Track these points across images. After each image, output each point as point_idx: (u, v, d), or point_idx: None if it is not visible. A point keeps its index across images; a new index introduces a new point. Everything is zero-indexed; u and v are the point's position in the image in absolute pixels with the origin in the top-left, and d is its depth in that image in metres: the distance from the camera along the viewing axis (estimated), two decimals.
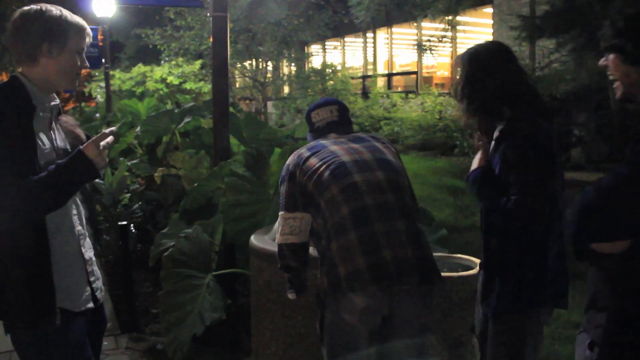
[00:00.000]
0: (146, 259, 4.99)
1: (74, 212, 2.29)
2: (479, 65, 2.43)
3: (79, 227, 2.30)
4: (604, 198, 1.62)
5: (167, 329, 3.74)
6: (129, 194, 6.74)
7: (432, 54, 8.80)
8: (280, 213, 2.59)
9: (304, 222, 2.54)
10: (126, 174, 6.78)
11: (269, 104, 18.09)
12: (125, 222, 4.90)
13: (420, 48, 9.31)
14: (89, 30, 2.29)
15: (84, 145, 2.13)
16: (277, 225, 2.64)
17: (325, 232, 2.48)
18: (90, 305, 2.32)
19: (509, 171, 2.27)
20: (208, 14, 4.77)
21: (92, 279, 2.34)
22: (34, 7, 2.19)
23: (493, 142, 2.42)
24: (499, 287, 2.37)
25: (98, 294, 2.37)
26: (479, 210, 2.64)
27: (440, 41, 8.72)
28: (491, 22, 13.77)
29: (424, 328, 2.50)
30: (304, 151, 2.63)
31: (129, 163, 6.94)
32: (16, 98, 2.12)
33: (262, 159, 4.46)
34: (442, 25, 8.76)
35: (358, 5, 7.31)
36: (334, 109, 2.78)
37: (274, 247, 2.74)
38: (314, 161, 2.56)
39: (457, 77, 2.51)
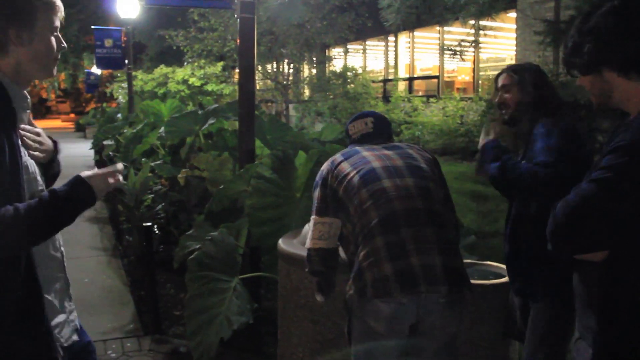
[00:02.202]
0: (168, 260, 4.98)
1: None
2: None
3: (61, 249, 1.99)
4: (572, 218, 1.59)
5: (193, 332, 3.70)
6: (152, 195, 6.76)
7: (463, 58, 8.71)
8: (312, 217, 2.58)
9: (333, 228, 2.52)
10: (149, 175, 6.81)
11: (290, 106, 18.09)
12: (149, 224, 4.89)
13: (449, 51, 9.20)
14: (59, 3, 1.88)
15: (91, 175, 1.83)
16: (306, 228, 2.62)
17: (353, 238, 2.45)
18: (75, 337, 2.00)
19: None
20: (235, 16, 4.75)
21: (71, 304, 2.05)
22: None
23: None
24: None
25: (77, 321, 2.07)
26: (502, 216, 2.60)
27: (471, 45, 8.60)
28: (514, 26, 13.64)
29: (453, 338, 2.44)
30: (337, 156, 2.65)
31: (152, 164, 6.97)
32: None
33: (289, 162, 4.43)
34: (466, 30, 8.66)
35: (388, 7, 7.22)
36: (369, 120, 2.80)
37: (302, 252, 2.70)
38: (345, 166, 2.56)
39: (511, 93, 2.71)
